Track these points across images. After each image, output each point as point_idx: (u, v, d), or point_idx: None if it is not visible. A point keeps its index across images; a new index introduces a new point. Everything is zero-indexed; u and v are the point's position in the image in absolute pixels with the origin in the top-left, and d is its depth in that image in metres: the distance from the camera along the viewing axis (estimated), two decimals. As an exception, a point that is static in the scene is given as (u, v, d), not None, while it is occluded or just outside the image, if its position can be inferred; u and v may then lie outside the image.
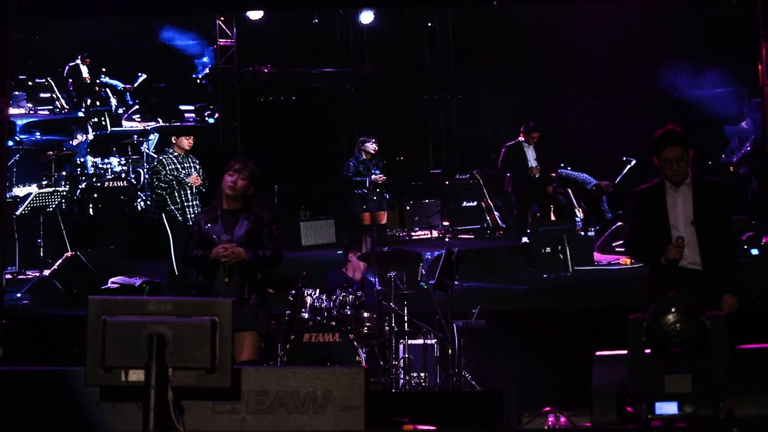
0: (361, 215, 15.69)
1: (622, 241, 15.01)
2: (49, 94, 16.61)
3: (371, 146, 15.59)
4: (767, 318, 12.17)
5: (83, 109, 16.63)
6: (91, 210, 15.47)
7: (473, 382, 11.44)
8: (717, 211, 8.07)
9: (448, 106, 17.55)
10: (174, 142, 14.02)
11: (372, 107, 17.12)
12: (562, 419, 7.90)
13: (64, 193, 15.15)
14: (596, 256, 15.25)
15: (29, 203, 14.57)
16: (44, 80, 16.67)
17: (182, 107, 17.08)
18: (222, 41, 16.62)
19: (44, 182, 15.21)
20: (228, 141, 16.66)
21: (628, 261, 14.55)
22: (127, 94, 16.93)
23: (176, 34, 16.71)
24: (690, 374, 5.52)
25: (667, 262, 7.89)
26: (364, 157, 15.59)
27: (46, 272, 14.11)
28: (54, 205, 14.76)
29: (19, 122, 15.97)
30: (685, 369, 5.52)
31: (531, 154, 15.94)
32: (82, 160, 15.97)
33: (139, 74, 16.93)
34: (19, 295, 13.78)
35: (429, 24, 17.24)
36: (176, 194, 13.76)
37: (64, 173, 15.80)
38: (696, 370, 5.52)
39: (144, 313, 5.36)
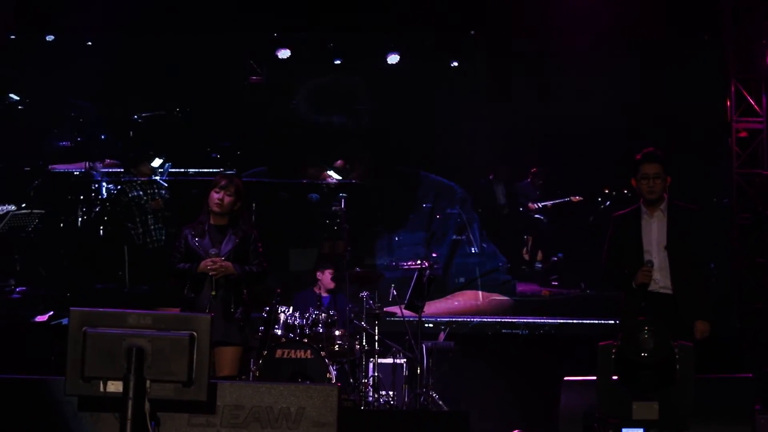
0: (323, 244, 15.87)
1: (556, 275, 15.37)
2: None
3: (333, 181, 15.79)
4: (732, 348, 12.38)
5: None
6: (101, 230, 15.73)
7: (440, 402, 11.54)
8: (691, 237, 8.11)
9: (473, 142, 17.54)
10: (134, 171, 14.75)
11: (395, 143, 17.17)
12: (529, 441, 8.04)
13: (40, 213, 15.43)
14: (528, 288, 15.61)
15: (6, 223, 14.80)
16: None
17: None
18: (253, 78, 17.03)
19: (23, 204, 15.36)
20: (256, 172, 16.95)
21: (547, 293, 14.92)
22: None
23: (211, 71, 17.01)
24: (657, 401, 5.61)
25: (637, 286, 8.00)
26: (326, 190, 15.78)
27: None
28: (32, 225, 15.06)
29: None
30: (652, 396, 5.62)
31: (501, 191, 16.25)
32: (97, 186, 16.24)
33: (156, 111, 17.26)
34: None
35: (453, 64, 17.25)
36: (137, 219, 14.16)
37: (81, 197, 16.08)
38: (663, 397, 5.62)
39: (124, 326, 5.41)
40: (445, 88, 16.13)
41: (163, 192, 14.54)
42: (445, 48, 16.18)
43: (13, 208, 14.87)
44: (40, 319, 13.86)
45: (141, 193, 14.39)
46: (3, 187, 15.36)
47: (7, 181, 15.57)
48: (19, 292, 14.15)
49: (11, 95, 15.98)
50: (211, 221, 8.54)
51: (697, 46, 14.29)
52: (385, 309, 12.13)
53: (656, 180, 8.10)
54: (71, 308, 5.48)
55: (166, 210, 14.46)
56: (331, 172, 15.75)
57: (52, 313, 13.86)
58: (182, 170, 16.15)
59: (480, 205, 15.93)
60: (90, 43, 15.83)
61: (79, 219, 15.64)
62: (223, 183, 8.48)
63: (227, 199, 8.44)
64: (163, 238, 14.52)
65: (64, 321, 10.41)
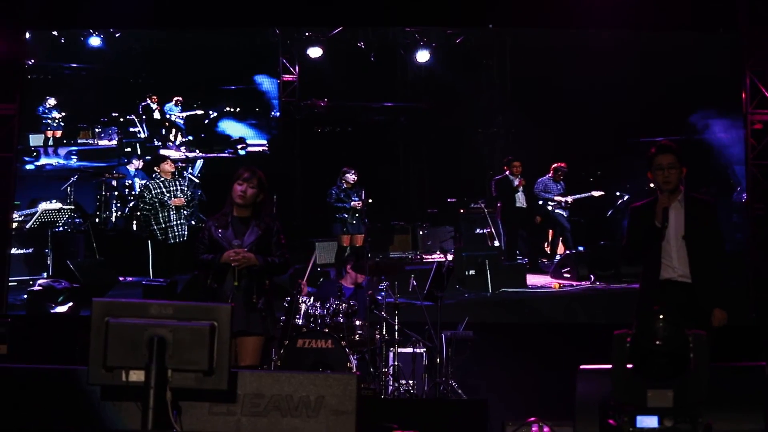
0: (341, 237, 16.03)
1: (569, 268, 15.50)
2: (137, 128, 17.45)
3: (351, 176, 15.89)
4: (747, 336, 12.41)
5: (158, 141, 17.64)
6: (134, 225, 16.01)
7: (459, 391, 11.61)
8: (707, 227, 8.20)
9: (499, 139, 17.67)
10: (157, 170, 15.27)
11: (424, 140, 17.31)
12: (546, 429, 8.08)
13: (70, 209, 15.68)
14: (540, 280, 15.83)
15: (37, 218, 15.03)
16: (132, 117, 17.62)
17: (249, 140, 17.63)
18: (286, 77, 17.27)
19: (53, 200, 15.57)
20: (286, 168, 17.17)
21: (557, 286, 15.01)
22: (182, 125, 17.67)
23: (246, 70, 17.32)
24: (672, 389, 5.65)
25: (659, 221, 8.06)
26: (345, 185, 15.89)
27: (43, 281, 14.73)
28: (62, 221, 15.30)
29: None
30: (667, 384, 5.66)
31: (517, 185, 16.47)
32: (130, 182, 16.52)
33: (196, 110, 17.61)
34: (25, 296, 14.38)
35: (484, 61, 17.36)
36: (159, 215, 14.61)
37: (116, 193, 16.45)
38: (677, 385, 5.66)
39: (146, 316, 5.47)
40: (472, 84, 16.30)
41: (185, 189, 14.93)
42: (473, 45, 16.35)
43: (40, 210, 15.07)
44: (58, 310, 13.99)
45: (163, 190, 14.75)
46: (39, 185, 15.61)
47: (45, 178, 15.85)
48: (40, 285, 14.27)
49: (48, 97, 16.29)
50: (235, 213, 8.58)
51: (713, 39, 14.35)
52: (403, 300, 12.24)
53: (671, 170, 8.17)
54: (93, 299, 5.55)
55: (188, 206, 14.84)
56: (348, 170, 15.87)
57: (71, 304, 14.00)
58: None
59: (499, 199, 16.10)
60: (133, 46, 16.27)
61: (114, 215, 15.96)
62: (246, 175, 8.52)
63: (250, 191, 8.49)
64: (186, 233, 14.77)
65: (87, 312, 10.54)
